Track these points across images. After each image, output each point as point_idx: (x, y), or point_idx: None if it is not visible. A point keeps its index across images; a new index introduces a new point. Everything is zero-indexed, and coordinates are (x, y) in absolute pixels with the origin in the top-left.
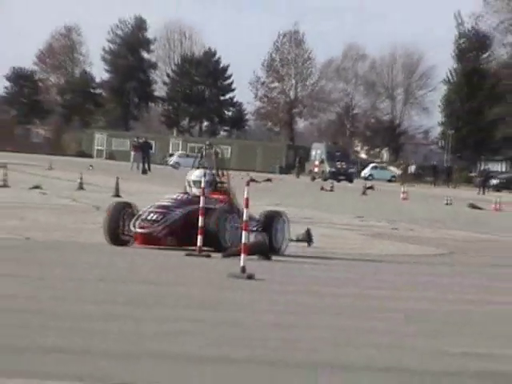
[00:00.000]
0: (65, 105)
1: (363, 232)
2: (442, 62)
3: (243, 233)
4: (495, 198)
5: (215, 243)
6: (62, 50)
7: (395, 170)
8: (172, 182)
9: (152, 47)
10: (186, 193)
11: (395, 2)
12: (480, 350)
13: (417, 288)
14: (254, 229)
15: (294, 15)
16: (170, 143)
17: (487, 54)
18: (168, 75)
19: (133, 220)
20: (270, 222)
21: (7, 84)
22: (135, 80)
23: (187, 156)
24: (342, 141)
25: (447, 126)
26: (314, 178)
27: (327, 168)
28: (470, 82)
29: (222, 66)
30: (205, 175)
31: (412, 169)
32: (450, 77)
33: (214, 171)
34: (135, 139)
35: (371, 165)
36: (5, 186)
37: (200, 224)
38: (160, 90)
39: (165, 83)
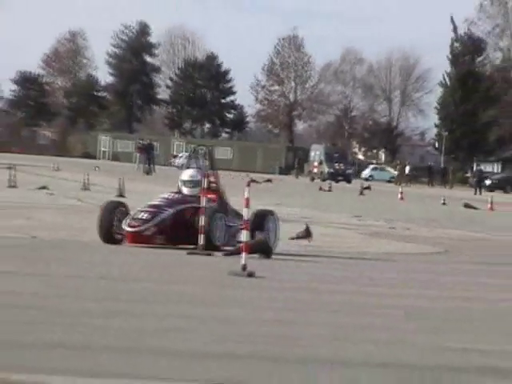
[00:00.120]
0: (70, 107)
1: (361, 231)
2: (438, 66)
3: (244, 232)
4: (489, 198)
5: (206, 241)
6: (68, 54)
7: (391, 171)
8: (176, 183)
9: (156, 52)
10: (178, 192)
11: (392, 7)
12: (480, 346)
13: (415, 285)
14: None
15: (293, 20)
16: (174, 145)
17: (482, 57)
18: (171, 79)
19: (125, 219)
20: (261, 221)
21: (14, 87)
22: (139, 83)
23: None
24: (341, 142)
25: (443, 127)
26: (313, 179)
27: (326, 169)
28: (465, 84)
29: (223, 69)
30: (195, 176)
31: (407, 169)
32: (446, 80)
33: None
34: (140, 141)
35: (371, 166)
36: (13, 186)
37: (200, 223)
38: (163, 93)
39: (168, 87)
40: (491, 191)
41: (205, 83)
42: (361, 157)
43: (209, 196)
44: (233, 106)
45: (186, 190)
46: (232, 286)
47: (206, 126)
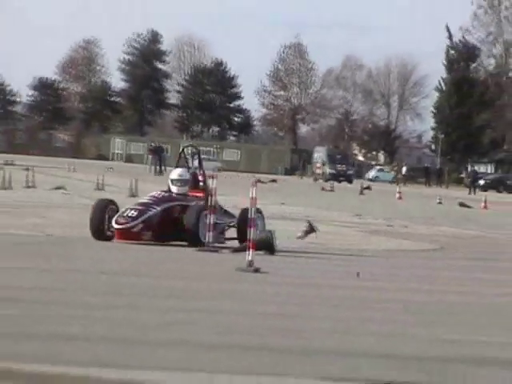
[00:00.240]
0: (85, 112)
1: (361, 229)
2: (434, 72)
3: (251, 230)
4: (483, 197)
5: (194, 239)
6: (83, 61)
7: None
8: None
9: (166, 58)
10: (167, 191)
11: (391, 17)
12: (478, 338)
13: (413, 280)
14: (232, 224)
15: (296, 29)
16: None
17: (476, 64)
18: (182, 85)
19: (115, 216)
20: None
21: (31, 92)
22: (150, 89)
23: (208, 160)
24: (342, 144)
25: (439, 130)
26: (315, 179)
27: (328, 170)
28: (460, 90)
29: (230, 75)
30: (182, 175)
31: (403, 170)
32: (442, 85)
33: (195, 171)
34: (151, 144)
35: (377, 167)
36: (31, 186)
37: (208, 221)
38: (172, 98)
39: (179, 92)
40: (485, 191)
41: (213, 88)
42: (361, 158)
43: (196, 194)
44: (240, 110)
45: (174, 189)
46: (239, 280)
47: (214, 130)
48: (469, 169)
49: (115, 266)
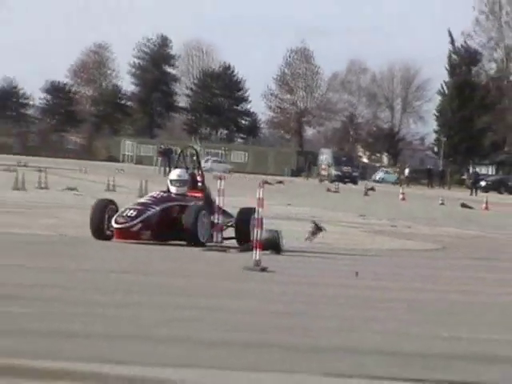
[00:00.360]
0: (96, 114)
1: (365, 229)
2: (437, 76)
3: (257, 230)
4: (484, 199)
5: (192, 238)
6: (94, 65)
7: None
8: None
9: (175, 63)
10: (166, 191)
11: (394, 22)
12: (481, 336)
13: (416, 280)
14: (230, 224)
15: (302, 34)
16: None
17: (477, 68)
18: (190, 88)
19: (114, 216)
20: (247, 218)
21: (44, 95)
22: (159, 92)
23: (220, 162)
24: (347, 147)
25: (441, 133)
26: (321, 181)
27: (333, 171)
28: (462, 93)
29: (238, 79)
30: (181, 175)
31: (406, 172)
32: (444, 89)
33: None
34: (161, 146)
35: (384, 169)
36: (44, 187)
37: (215, 221)
38: (181, 101)
39: (187, 95)
40: (486, 192)
41: (221, 92)
42: (365, 160)
43: (195, 194)
44: (247, 113)
45: (173, 189)
46: (246, 279)
47: (222, 132)
48: (470, 170)
49: (123, 264)
